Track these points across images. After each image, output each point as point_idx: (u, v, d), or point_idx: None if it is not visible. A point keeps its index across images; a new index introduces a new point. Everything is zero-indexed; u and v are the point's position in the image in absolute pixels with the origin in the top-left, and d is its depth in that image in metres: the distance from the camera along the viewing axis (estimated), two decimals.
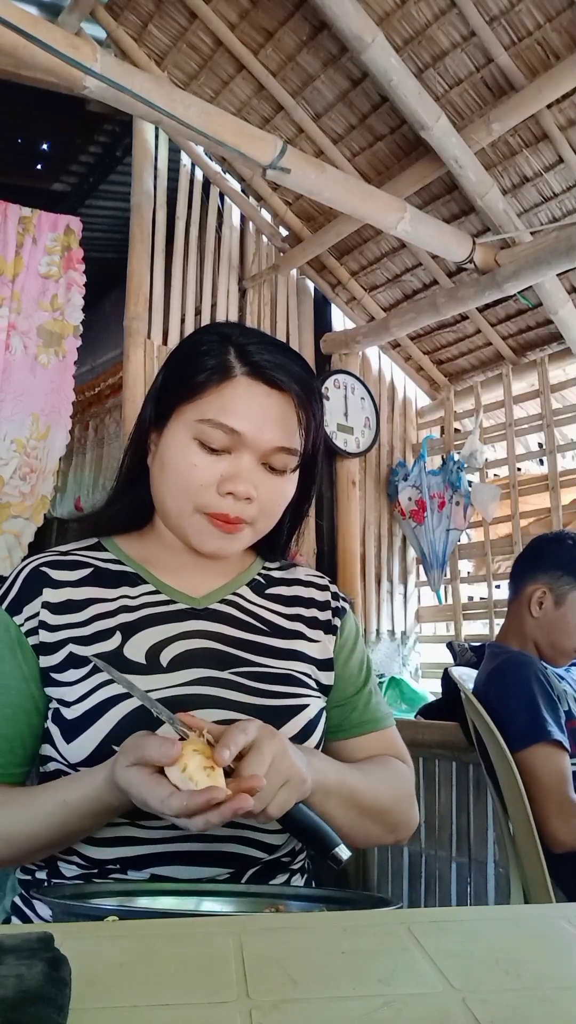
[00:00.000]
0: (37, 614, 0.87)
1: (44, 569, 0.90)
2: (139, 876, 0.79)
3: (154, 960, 0.49)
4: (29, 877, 0.85)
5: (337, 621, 0.98)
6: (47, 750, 0.85)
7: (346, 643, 0.98)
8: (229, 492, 0.84)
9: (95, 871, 0.81)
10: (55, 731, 0.83)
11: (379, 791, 0.88)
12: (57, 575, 0.90)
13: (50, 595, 0.88)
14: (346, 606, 1.01)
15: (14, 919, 0.84)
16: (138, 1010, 0.42)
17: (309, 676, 0.92)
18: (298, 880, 0.89)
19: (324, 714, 0.91)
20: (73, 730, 0.81)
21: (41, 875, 0.84)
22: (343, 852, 0.71)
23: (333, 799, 0.80)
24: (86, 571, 0.91)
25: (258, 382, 0.86)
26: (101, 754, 0.78)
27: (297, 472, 0.92)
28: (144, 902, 0.74)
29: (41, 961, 0.40)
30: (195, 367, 0.87)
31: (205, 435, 0.84)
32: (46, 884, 0.83)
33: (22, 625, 0.86)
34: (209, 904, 0.75)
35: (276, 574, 1.00)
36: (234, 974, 0.46)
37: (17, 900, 0.85)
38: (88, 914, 0.62)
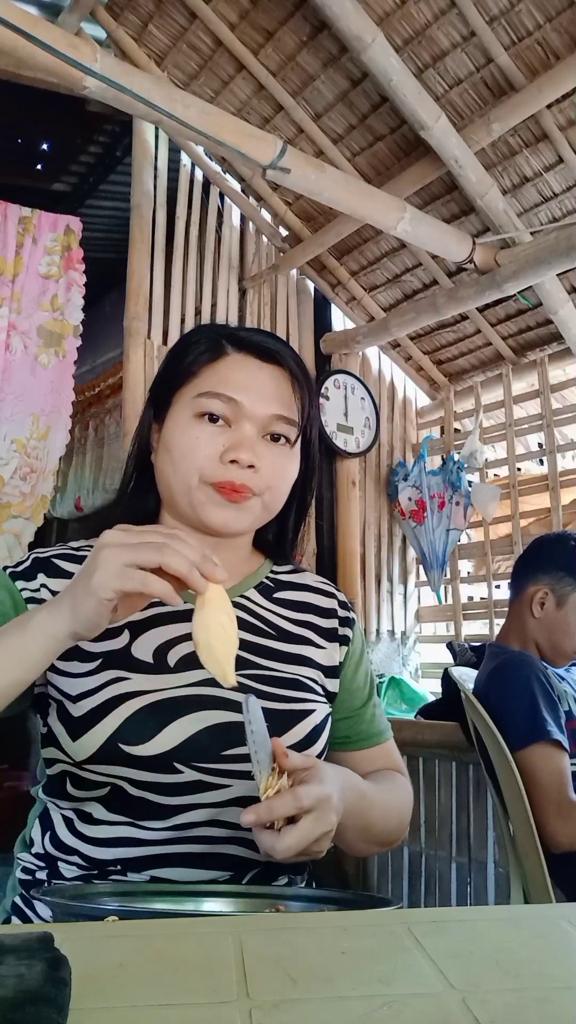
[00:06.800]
0: (38, 589, 0.87)
1: (54, 560, 0.90)
2: (139, 878, 0.79)
3: (154, 960, 0.49)
4: (29, 877, 0.85)
5: (346, 631, 0.98)
6: (52, 752, 0.84)
7: (354, 655, 0.98)
8: (233, 460, 0.85)
9: (95, 872, 0.81)
10: (60, 729, 0.82)
11: (389, 820, 0.89)
12: (68, 567, 0.90)
13: (59, 585, 0.88)
14: (354, 616, 1.01)
15: (14, 919, 0.84)
16: (138, 1010, 0.42)
17: (315, 682, 0.91)
18: (298, 881, 0.89)
19: (330, 720, 0.91)
20: (79, 726, 0.80)
21: (41, 875, 0.84)
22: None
23: (349, 832, 0.81)
24: None
25: (250, 357, 0.90)
26: (107, 752, 0.78)
27: (299, 451, 0.93)
28: (144, 902, 0.74)
29: (41, 961, 0.40)
30: (189, 355, 0.91)
31: (205, 407, 0.87)
32: (46, 884, 0.82)
33: (22, 591, 0.87)
34: (209, 905, 0.75)
35: (284, 577, 1.00)
36: (234, 974, 0.46)
37: (17, 900, 0.85)
38: (88, 914, 0.62)
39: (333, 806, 0.70)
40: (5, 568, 0.90)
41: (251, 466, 0.86)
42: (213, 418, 0.87)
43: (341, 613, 0.99)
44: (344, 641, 0.97)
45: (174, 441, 0.88)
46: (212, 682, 0.83)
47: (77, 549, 0.93)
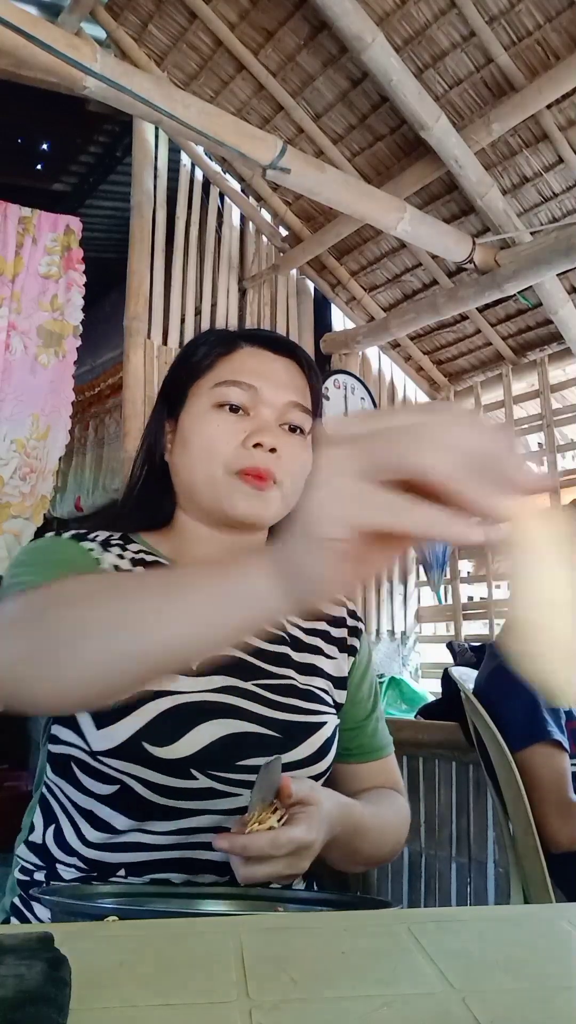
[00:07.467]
0: (94, 549, 0.86)
1: (83, 543, 0.88)
2: (138, 882, 0.79)
3: (154, 960, 0.49)
4: (28, 878, 0.85)
5: (354, 641, 0.97)
6: (65, 734, 0.81)
7: (360, 665, 0.97)
8: (256, 444, 0.85)
9: (95, 875, 0.80)
10: (84, 715, 0.79)
11: (382, 847, 0.88)
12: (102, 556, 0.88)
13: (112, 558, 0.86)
14: (362, 626, 1.00)
15: (13, 919, 0.84)
16: (138, 1010, 0.42)
17: (326, 692, 0.91)
18: (299, 884, 0.88)
19: (338, 732, 0.91)
20: (105, 717, 0.77)
21: (39, 876, 0.84)
22: None
23: (335, 856, 0.81)
24: (131, 554, 0.89)
25: (263, 349, 0.92)
26: (129, 749, 0.76)
27: (312, 443, 0.92)
28: (144, 902, 0.74)
29: (41, 961, 0.40)
30: (201, 351, 0.92)
31: (223, 396, 0.88)
32: (44, 885, 0.82)
33: (92, 550, 0.85)
34: (209, 906, 0.75)
35: None
36: (234, 974, 0.46)
37: (16, 900, 0.85)
38: (88, 914, 0.62)
39: (311, 854, 0.70)
40: (58, 534, 0.89)
41: (273, 450, 0.86)
42: (232, 408, 0.87)
43: (350, 622, 0.98)
44: (352, 651, 0.96)
45: (193, 434, 0.88)
46: (231, 690, 0.82)
47: (107, 538, 0.91)
